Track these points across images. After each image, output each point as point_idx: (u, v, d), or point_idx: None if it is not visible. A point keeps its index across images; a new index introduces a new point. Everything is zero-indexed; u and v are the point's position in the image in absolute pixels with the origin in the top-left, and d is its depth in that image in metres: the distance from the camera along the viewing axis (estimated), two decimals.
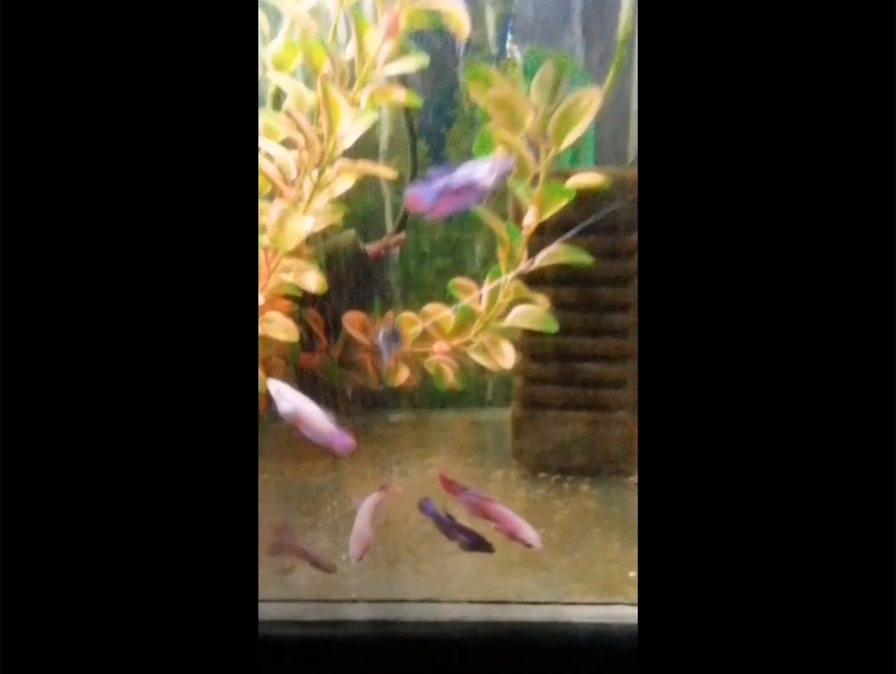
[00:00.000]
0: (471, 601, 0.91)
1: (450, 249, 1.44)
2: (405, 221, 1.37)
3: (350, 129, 1.00)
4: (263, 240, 0.99)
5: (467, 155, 1.43)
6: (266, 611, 0.91)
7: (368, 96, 1.00)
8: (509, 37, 1.31)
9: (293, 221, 0.98)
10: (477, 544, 0.88)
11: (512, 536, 0.87)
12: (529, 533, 0.86)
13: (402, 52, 1.01)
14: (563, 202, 1.03)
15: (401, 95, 1.02)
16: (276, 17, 1.24)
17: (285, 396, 0.85)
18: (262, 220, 0.99)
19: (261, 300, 1.07)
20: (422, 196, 0.75)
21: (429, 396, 1.49)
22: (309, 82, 1.22)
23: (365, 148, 1.44)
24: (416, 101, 1.04)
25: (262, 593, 0.83)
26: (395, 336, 1.05)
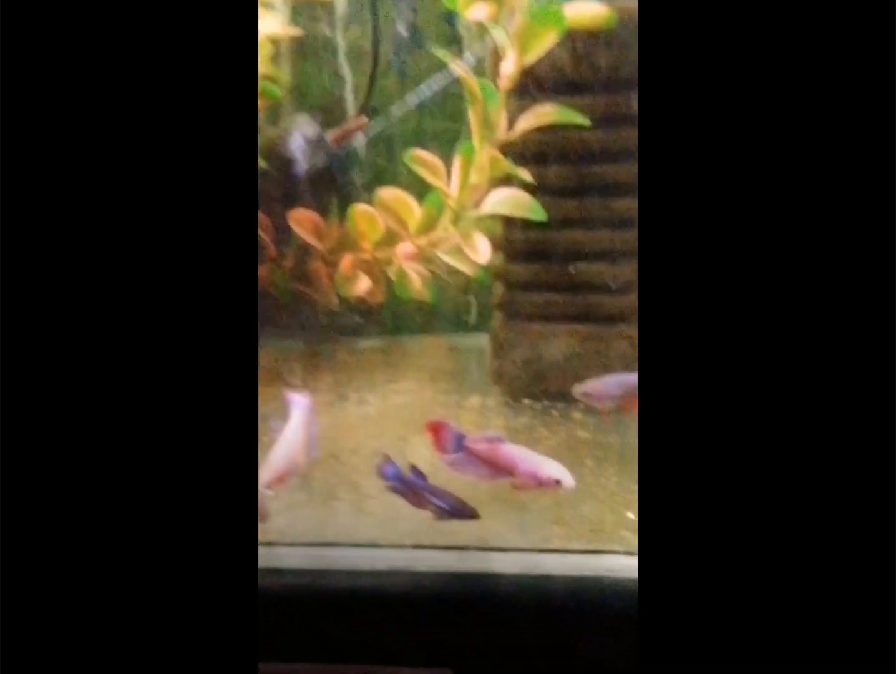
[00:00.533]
0: (417, 547, 0.71)
1: (425, 142, 1.21)
2: (368, 105, 1.14)
3: None
4: None
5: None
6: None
7: None
8: None
9: None
10: (458, 510, 0.70)
11: (535, 480, 0.66)
12: (555, 469, 0.67)
13: None
14: (553, 39, 0.79)
15: None
16: None
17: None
18: None
19: None
20: None
21: (403, 319, 1.29)
22: None
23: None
24: None
25: None
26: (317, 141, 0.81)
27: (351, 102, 1.21)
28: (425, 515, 0.75)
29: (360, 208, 0.99)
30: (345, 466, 0.88)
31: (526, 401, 0.97)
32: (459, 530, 0.74)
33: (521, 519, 0.75)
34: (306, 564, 0.72)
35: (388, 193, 0.95)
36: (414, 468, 0.72)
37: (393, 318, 1.30)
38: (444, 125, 1.22)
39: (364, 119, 1.13)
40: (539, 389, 0.96)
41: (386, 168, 1.24)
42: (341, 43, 1.19)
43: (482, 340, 1.24)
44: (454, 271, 0.98)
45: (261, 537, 0.73)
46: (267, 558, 0.71)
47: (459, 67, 0.86)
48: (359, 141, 1.17)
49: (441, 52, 0.89)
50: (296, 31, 1.10)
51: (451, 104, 1.21)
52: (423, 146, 1.21)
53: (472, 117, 0.87)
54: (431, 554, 0.71)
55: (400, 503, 0.77)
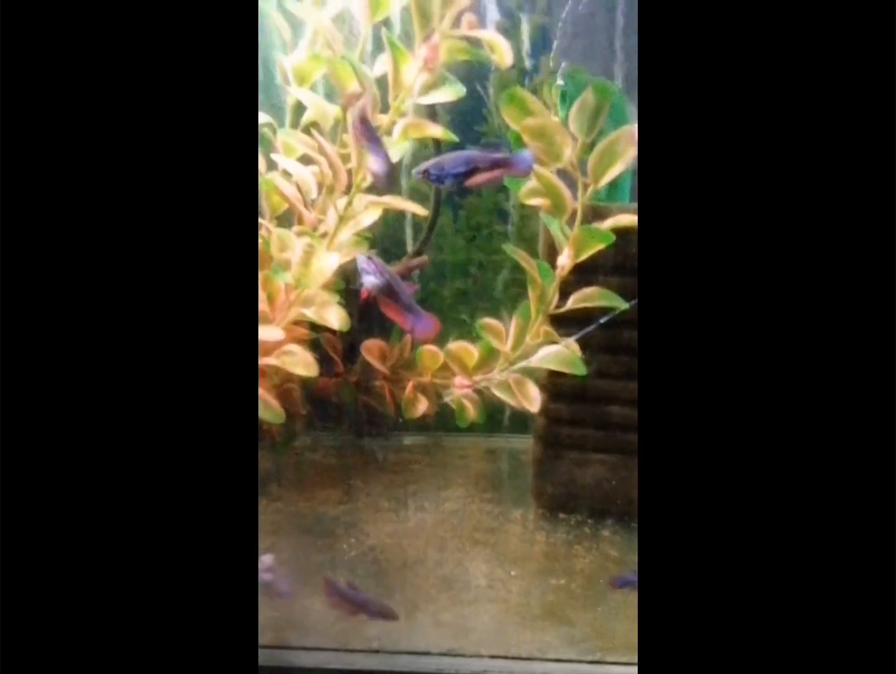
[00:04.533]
0: (493, 656, 0.89)
1: (470, 271, 1.40)
2: (427, 241, 1.33)
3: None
4: (287, 277, 0.94)
5: None
6: (287, 658, 0.91)
7: (402, 129, 0.95)
8: (555, 60, 1.24)
9: (319, 258, 0.94)
10: (382, 612, 0.87)
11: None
12: None
13: (438, 80, 0.95)
14: (600, 246, 0.99)
15: (437, 131, 0.96)
16: (298, 25, 1.17)
17: (373, 270, 0.84)
18: (285, 255, 0.95)
19: (280, 334, 1.03)
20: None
21: (441, 417, 1.47)
22: (330, 95, 1.16)
23: None
24: (451, 137, 0.98)
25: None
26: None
27: (410, 237, 1.39)
28: (492, 625, 0.93)
29: (427, 348, 1.17)
30: (417, 576, 1.05)
31: (562, 515, 1.17)
32: (520, 639, 0.92)
33: (569, 633, 0.93)
34: (396, 667, 0.89)
35: (454, 345, 1.14)
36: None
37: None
38: (488, 257, 1.41)
39: (425, 257, 1.31)
40: (573, 506, 1.16)
41: (437, 291, 1.42)
42: (404, 185, 1.37)
43: (515, 443, 1.43)
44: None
45: (362, 645, 0.90)
46: (366, 662, 0.89)
47: (520, 256, 1.05)
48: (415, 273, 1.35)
49: (508, 248, 1.07)
50: None
51: (495, 239, 1.41)
52: (468, 274, 1.41)
53: (531, 293, 1.06)
54: (503, 662, 0.89)
55: (470, 614, 0.95)
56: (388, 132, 0.96)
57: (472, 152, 0.89)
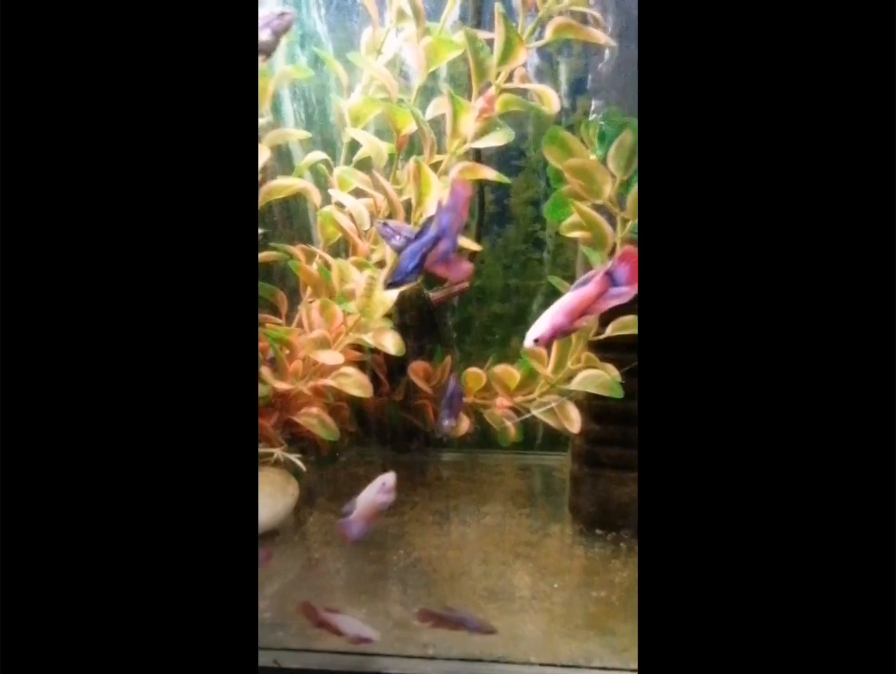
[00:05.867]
0: (542, 664, 0.95)
1: (508, 295, 1.47)
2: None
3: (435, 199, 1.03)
4: (351, 307, 1.02)
5: (531, 205, 1.46)
6: (344, 663, 0.97)
7: (458, 172, 1.03)
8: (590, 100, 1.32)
9: (380, 291, 1.01)
10: (481, 627, 0.94)
11: None
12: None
13: (489, 126, 1.03)
14: None
15: (490, 174, 1.04)
16: (352, 71, 1.26)
17: (392, 233, 0.88)
18: (349, 287, 1.02)
19: (340, 358, 1.10)
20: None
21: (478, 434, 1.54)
22: (380, 133, 1.24)
23: None
24: (504, 179, 1.06)
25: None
26: (457, 397, 1.08)
27: None
28: (538, 634, 1.00)
29: (471, 371, 1.24)
30: (464, 587, 1.11)
31: (598, 531, 1.23)
32: (566, 648, 0.98)
33: (612, 642, 0.99)
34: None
35: (499, 368, 1.21)
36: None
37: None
38: (524, 283, 1.48)
39: (466, 284, 1.39)
40: (609, 522, 1.22)
41: (474, 314, 1.50)
42: None
43: (548, 460, 1.50)
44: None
45: (417, 651, 0.96)
46: (422, 667, 0.95)
47: (564, 286, 1.12)
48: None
49: (555, 279, 1.14)
50: None
51: (531, 266, 1.48)
52: (507, 299, 1.48)
53: None
54: (553, 670, 0.94)
55: (517, 623, 1.01)
56: (444, 173, 1.04)
57: (411, 246, 0.88)
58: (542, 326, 0.84)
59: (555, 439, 1.45)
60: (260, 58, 0.79)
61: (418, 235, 0.84)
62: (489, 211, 1.40)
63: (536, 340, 0.85)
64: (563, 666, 0.95)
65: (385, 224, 0.91)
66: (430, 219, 0.84)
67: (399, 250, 0.89)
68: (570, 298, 0.85)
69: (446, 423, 1.10)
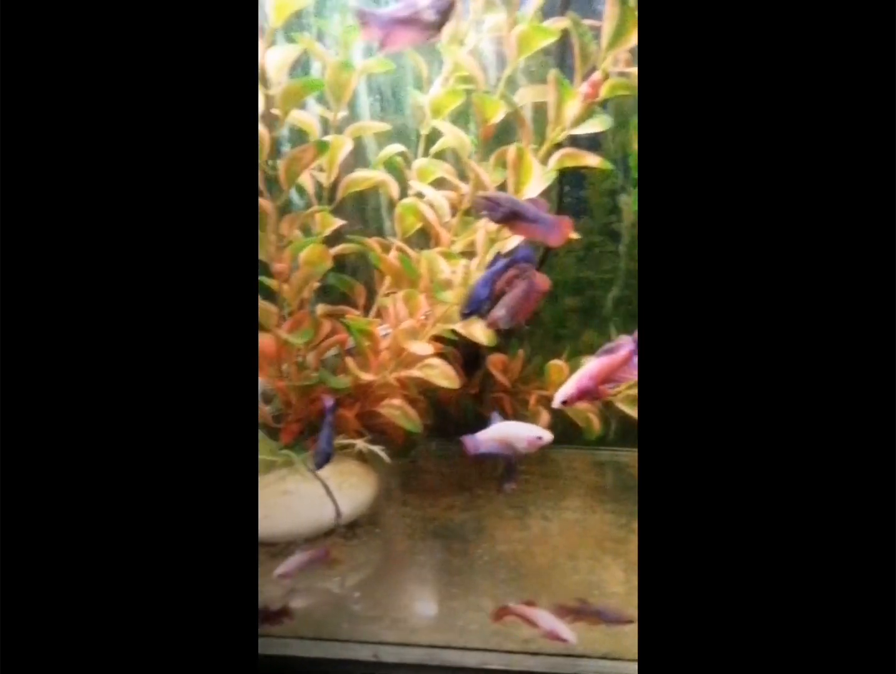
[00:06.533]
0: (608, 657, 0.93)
1: (580, 289, 1.45)
2: (544, 260, 1.38)
3: (533, 187, 1.01)
4: (447, 296, 1.00)
5: (608, 196, 1.43)
6: (442, 657, 0.95)
7: (559, 159, 1.01)
8: None
9: (473, 278, 1.00)
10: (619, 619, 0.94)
11: None
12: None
13: (588, 112, 1.01)
14: None
15: (594, 161, 1.02)
16: (434, 60, 1.24)
17: (491, 204, 0.88)
18: (446, 276, 1.01)
19: (429, 348, 1.09)
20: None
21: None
22: (455, 125, 1.22)
23: None
24: (607, 165, 1.04)
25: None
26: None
27: None
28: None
29: (554, 363, 1.22)
30: (554, 582, 1.09)
31: None
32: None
33: None
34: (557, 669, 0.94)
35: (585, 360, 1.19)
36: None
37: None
38: (598, 275, 1.46)
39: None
40: None
41: (546, 308, 1.48)
42: None
43: (621, 456, 1.48)
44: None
45: (521, 647, 0.95)
46: (526, 663, 0.93)
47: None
48: None
49: None
50: None
51: (604, 259, 1.46)
52: (580, 292, 1.46)
53: None
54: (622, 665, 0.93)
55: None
56: (543, 161, 1.02)
57: (484, 275, 0.93)
58: (569, 389, 0.90)
59: (627, 433, 1.43)
60: (426, 35, 0.79)
61: (490, 264, 0.89)
62: (565, 202, 1.37)
63: (564, 403, 0.90)
64: (631, 660, 0.92)
65: (486, 197, 0.90)
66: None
67: (499, 222, 0.90)
68: (597, 365, 0.88)
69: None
